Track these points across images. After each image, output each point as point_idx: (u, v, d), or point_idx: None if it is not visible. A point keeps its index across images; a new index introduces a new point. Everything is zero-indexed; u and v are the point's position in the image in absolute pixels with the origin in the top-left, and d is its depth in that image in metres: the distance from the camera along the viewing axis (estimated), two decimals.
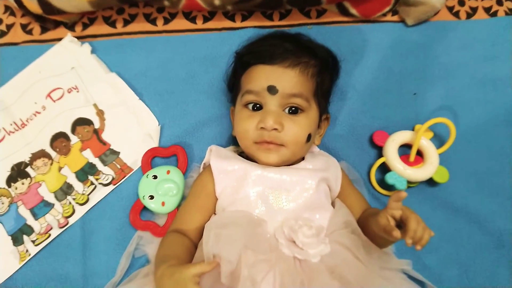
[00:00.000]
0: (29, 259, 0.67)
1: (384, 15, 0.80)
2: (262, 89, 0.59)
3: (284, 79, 0.59)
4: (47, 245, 0.68)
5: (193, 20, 0.81)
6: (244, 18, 0.81)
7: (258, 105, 0.60)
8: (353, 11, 0.79)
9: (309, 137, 0.60)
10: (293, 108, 0.59)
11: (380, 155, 0.72)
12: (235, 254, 0.49)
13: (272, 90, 0.58)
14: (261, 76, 0.60)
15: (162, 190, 0.66)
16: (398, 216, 0.50)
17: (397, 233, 0.47)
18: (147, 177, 0.67)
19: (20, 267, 0.67)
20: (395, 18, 0.81)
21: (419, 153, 0.70)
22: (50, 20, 0.78)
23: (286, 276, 0.49)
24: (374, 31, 0.79)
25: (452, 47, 0.79)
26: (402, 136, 0.70)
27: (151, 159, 0.71)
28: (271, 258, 0.51)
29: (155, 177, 0.67)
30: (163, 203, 0.66)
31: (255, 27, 0.79)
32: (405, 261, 0.59)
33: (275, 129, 0.57)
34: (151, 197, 0.66)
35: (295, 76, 0.59)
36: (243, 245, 0.50)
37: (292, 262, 0.51)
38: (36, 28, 0.80)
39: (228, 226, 0.52)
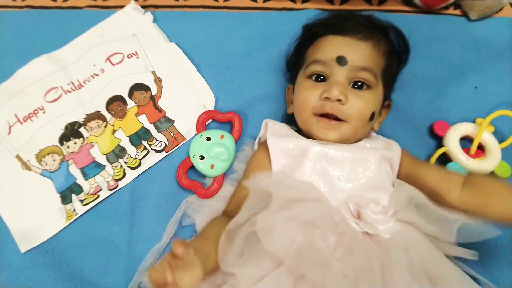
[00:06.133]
0: (75, 219, 0.66)
1: (447, 8, 0.79)
2: (331, 59, 0.57)
3: (356, 51, 0.57)
4: (94, 206, 0.67)
5: None
6: (304, 0, 0.80)
7: (322, 77, 0.58)
8: (416, 1, 0.78)
9: (372, 116, 0.58)
10: (359, 83, 0.57)
11: (438, 146, 0.69)
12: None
13: (341, 60, 0.56)
14: (331, 46, 0.58)
15: (213, 153, 0.65)
16: None
17: None
18: (200, 137, 0.67)
19: (66, 226, 0.66)
20: (457, 12, 0.80)
21: (480, 148, 0.67)
22: None
23: (357, 250, 0.46)
24: (436, 22, 0.79)
25: None
26: (464, 128, 0.68)
27: (206, 121, 0.70)
28: (340, 232, 0.48)
29: (208, 138, 0.66)
30: (212, 166, 0.65)
31: (315, 9, 0.78)
32: (471, 252, 0.52)
33: (339, 100, 0.55)
34: (202, 158, 0.65)
35: (367, 49, 0.57)
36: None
37: (362, 237, 0.49)
38: None
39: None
